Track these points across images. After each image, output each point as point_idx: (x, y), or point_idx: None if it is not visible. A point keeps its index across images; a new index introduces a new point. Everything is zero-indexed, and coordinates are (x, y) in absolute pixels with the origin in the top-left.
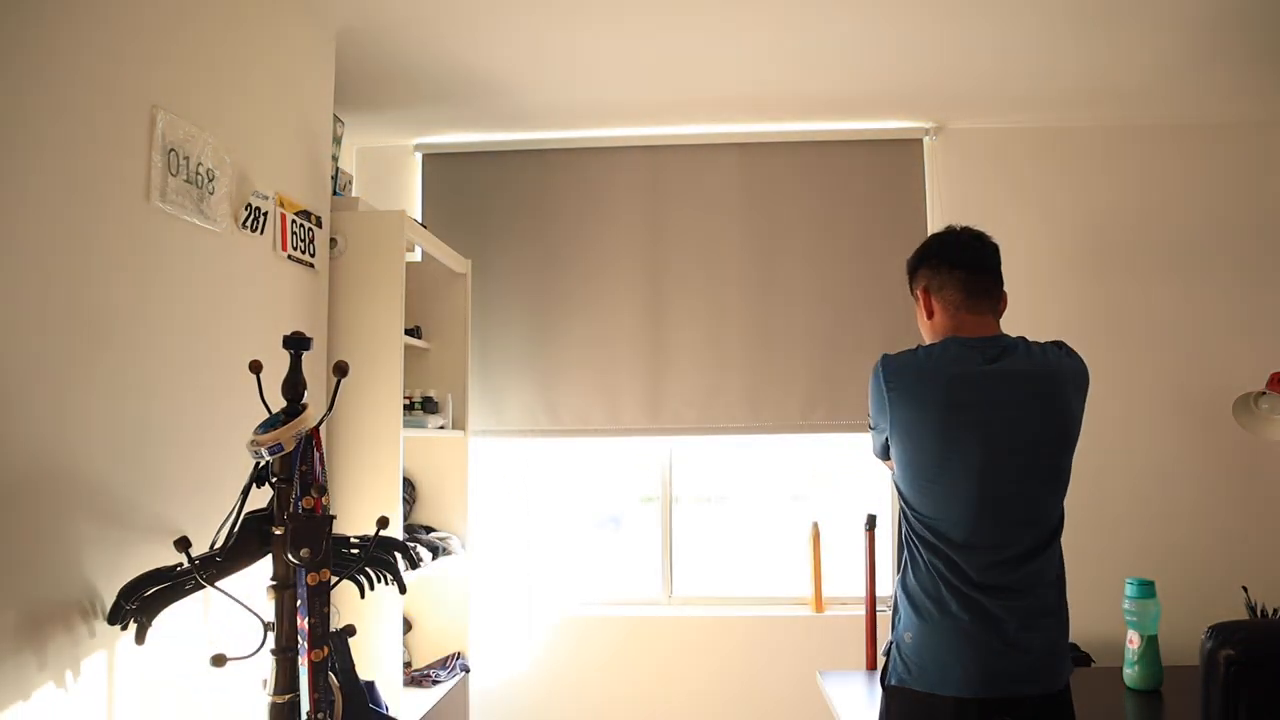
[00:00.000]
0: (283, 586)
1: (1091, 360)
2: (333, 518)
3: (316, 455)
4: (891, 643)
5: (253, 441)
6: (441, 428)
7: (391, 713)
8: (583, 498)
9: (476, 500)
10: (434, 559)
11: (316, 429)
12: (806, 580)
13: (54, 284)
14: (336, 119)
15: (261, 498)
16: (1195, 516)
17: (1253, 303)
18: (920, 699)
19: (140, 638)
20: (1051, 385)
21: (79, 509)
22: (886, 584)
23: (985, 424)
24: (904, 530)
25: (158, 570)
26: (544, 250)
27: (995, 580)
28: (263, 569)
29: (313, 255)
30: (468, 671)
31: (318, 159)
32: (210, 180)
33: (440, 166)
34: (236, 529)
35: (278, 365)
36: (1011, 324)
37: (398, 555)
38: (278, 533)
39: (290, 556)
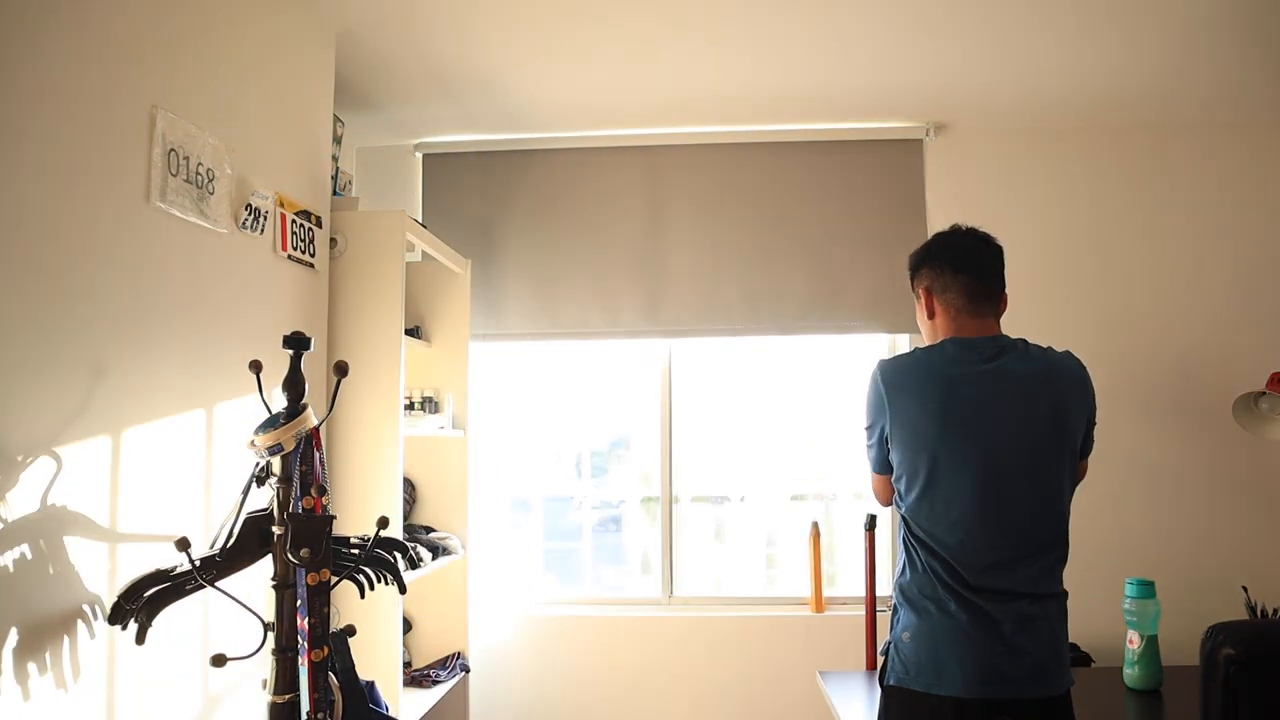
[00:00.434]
0: (283, 586)
1: (1091, 360)
2: (333, 518)
3: (316, 455)
4: (890, 642)
5: (253, 442)
6: (441, 428)
7: (391, 713)
8: (587, 417)
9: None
10: (434, 559)
11: (316, 429)
12: (806, 580)
13: (54, 283)
14: (336, 119)
15: (262, 498)
16: (1195, 516)
17: (1252, 303)
18: (918, 699)
19: (140, 638)
20: (1049, 385)
21: (79, 509)
22: (886, 584)
23: (983, 424)
24: (902, 531)
25: (158, 571)
26: (544, 250)
27: (993, 583)
28: (263, 569)
29: (313, 255)
30: (468, 671)
31: (318, 159)
32: (210, 180)
33: (440, 166)
34: (236, 529)
35: (278, 365)
36: (1011, 324)
37: (398, 555)
38: (278, 533)
39: (290, 556)
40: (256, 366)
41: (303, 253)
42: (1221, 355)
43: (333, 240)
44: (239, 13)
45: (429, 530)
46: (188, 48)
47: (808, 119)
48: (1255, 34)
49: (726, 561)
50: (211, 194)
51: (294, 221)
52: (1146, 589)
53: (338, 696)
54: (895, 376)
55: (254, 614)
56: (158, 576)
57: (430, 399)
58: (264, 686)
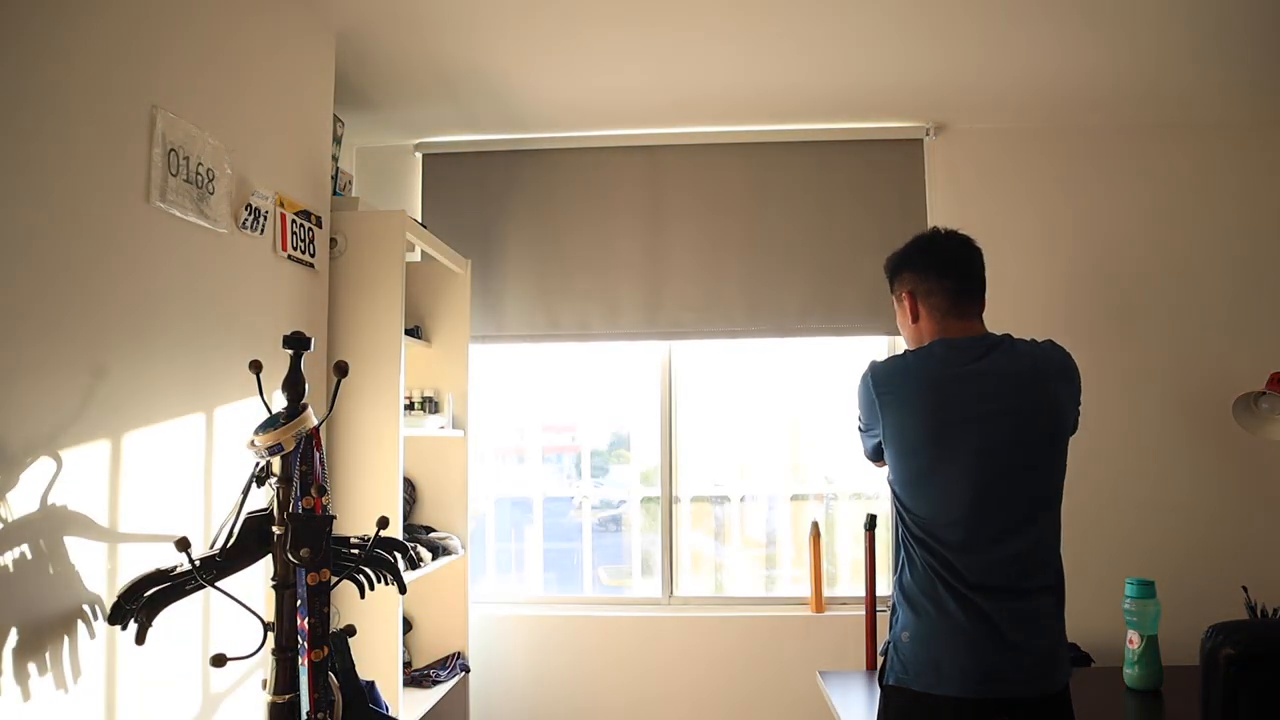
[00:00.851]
0: (283, 586)
1: (1090, 360)
2: (333, 518)
3: (316, 455)
4: (889, 642)
5: (252, 442)
6: (441, 428)
7: (391, 713)
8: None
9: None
10: (434, 559)
11: (316, 429)
12: (806, 580)
13: (54, 284)
14: (336, 119)
15: (261, 498)
16: (1195, 517)
17: (1252, 303)
18: (918, 698)
19: (140, 638)
20: (1039, 378)
21: (79, 509)
22: (886, 584)
23: (976, 423)
24: (900, 531)
25: (158, 571)
26: (544, 250)
27: (991, 581)
28: (263, 569)
29: (313, 255)
30: (468, 671)
31: (318, 159)
32: (210, 180)
33: (440, 166)
34: (236, 529)
35: (278, 365)
36: (1011, 323)
37: (398, 555)
38: (278, 533)
39: (290, 556)
40: (256, 366)
41: (303, 253)
42: (1221, 355)
43: (333, 240)
44: (239, 12)
45: (429, 530)
46: (188, 47)
47: (808, 119)
48: (1256, 35)
49: (726, 561)
50: (211, 194)
51: (294, 221)
52: (1146, 589)
53: (338, 696)
54: (887, 381)
55: (254, 614)
56: (158, 576)
57: (430, 399)
58: (264, 686)
